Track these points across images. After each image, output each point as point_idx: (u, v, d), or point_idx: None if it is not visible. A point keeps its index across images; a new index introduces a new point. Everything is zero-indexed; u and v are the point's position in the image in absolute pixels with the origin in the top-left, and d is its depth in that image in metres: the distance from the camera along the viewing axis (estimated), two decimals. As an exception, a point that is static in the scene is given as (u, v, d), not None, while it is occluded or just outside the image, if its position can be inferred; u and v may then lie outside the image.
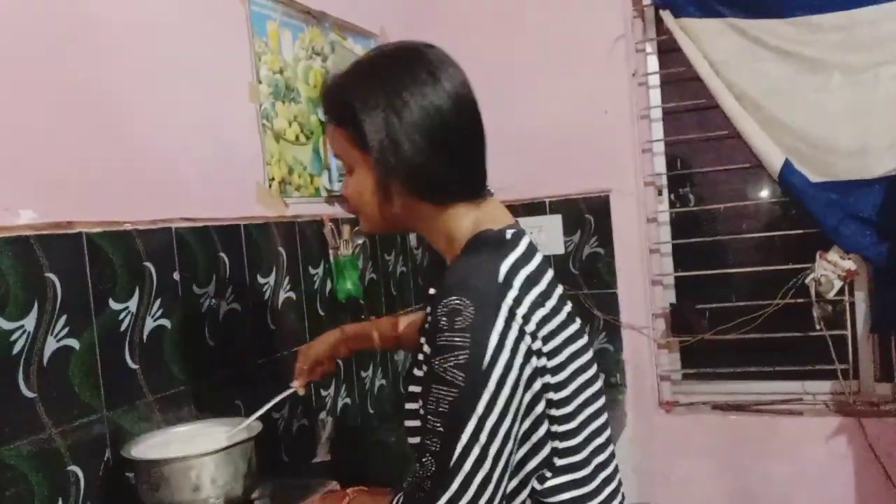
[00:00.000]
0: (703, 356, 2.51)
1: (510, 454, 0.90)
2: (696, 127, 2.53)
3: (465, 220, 1.02)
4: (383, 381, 2.24)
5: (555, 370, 0.94)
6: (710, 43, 2.33)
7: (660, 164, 2.53)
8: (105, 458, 1.29)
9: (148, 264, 1.42)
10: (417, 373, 0.98)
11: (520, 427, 0.92)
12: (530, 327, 0.92)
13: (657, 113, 2.52)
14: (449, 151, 0.99)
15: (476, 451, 0.86)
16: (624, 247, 2.43)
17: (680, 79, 2.50)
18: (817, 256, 2.26)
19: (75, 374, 1.24)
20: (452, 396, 0.87)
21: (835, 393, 2.34)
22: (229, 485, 1.21)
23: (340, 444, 1.89)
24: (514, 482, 0.94)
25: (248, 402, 1.63)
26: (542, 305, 0.95)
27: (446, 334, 0.88)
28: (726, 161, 2.50)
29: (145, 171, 1.44)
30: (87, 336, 1.27)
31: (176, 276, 1.48)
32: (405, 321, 1.46)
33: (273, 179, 1.82)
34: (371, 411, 2.16)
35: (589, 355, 1.03)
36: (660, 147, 2.52)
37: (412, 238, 2.49)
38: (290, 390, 1.37)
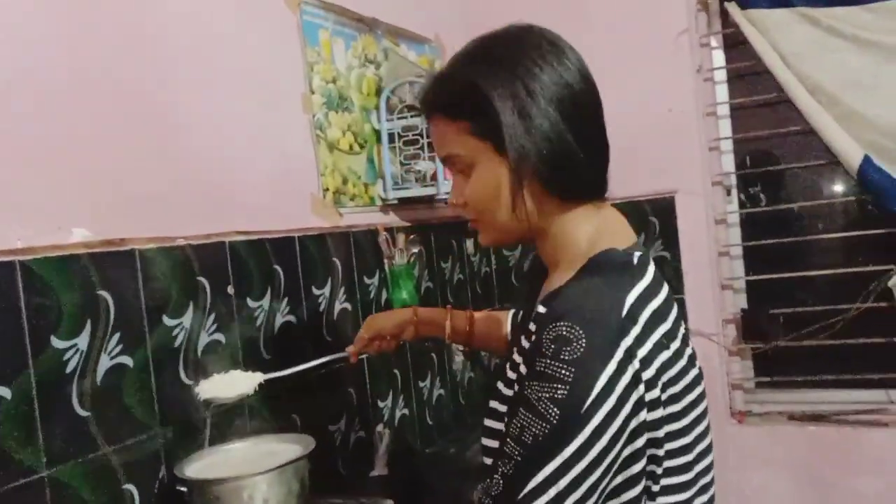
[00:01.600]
0: (777, 364, 2.38)
1: None
2: (766, 123, 2.40)
3: (585, 225, 0.92)
4: (441, 391, 2.20)
5: (671, 418, 0.84)
6: (779, 34, 2.21)
7: (728, 163, 2.42)
8: (160, 476, 1.28)
9: (202, 279, 1.41)
10: (505, 390, 0.91)
11: (609, 483, 0.80)
12: (648, 373, 0.81)
13: (724, 109, 2.40)
14: (583, 132, 0.89)
15: (552, 493, 0.78)
16: (691, 250, 2.32)
17: (747, 73, 2.38)
18: (901, 258, 2.11)
19: (129, 391, 1.24)
20: (540, 430, 0.78)
21: (925, 403, 2.18)
22: (282, 504, 1.19)
23: (398, 457, 1.86)
24: None
25: (305, 415, 1.62)
26: (667, 347, 0.84)
27: (549, 361, 0.79)
28: (799, 158, 2.37)
29: (199, 185, 1.44)
30: (140, 353, 1.27)
31: (230, 289, 1.48)
32: (481, 317, 1.41)
33: (327, 190, 1.80)
34: (430, 423, 2.12)
35: (704, 404, 0.92)
36: (728, 145, 2.41)
37: (468, 244, 2.44)
38: (343, 354, 1.35)
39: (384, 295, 1.95)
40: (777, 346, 2.30)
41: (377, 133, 1.98)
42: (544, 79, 0.87)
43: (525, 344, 0.89)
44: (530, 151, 0.87)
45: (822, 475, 2.22)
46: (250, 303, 1.52)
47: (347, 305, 1.82)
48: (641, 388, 0.80)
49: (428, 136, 1.92)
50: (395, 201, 1.98)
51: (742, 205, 2.44)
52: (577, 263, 0.89)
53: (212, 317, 1.42)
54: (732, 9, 2.26)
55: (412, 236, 2.02)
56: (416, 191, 1.96)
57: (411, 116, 1.94)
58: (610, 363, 0.78)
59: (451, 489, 1.75)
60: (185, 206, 1.41)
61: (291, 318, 1.63)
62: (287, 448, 1.30)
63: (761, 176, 2.45)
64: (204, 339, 1.40)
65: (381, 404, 1.91)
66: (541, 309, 0.87)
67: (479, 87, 0.87)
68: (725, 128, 2.41)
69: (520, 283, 2.57)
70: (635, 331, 0.81)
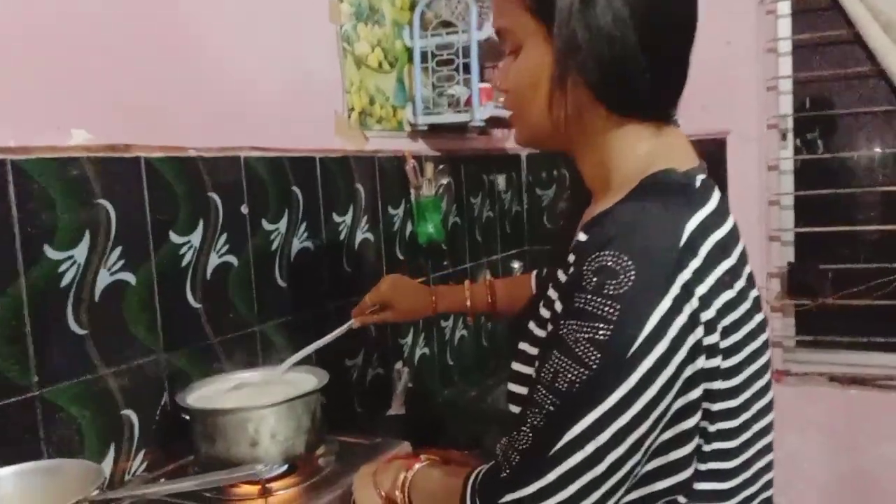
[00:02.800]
0: (821, 322, 2.24)
1: (635, 465, 0.68)
2: (829, 63, 2.21)
3: (638, 147, 0.77)
4: (464, 332, 2.10)
5: (727, 373, 0.71)
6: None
7: (786, 105, 2.24)
8: (162, 403, 1.20)
9: (213, 195, 1.30)
10: (536, 330, 0.79)
11: (656, 438, 0.68)
12: (708, 314, 0.68)
13: (786, 46, 2.21)
14: (656, 41, 0.73)
15: (589, 448, 0.66)
16: (740, 197, 2.15)
17: (812, 9, 2.18)
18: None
19: (131, 311, 1.15)
20: (577, 376, 0.66)
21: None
22: (290, 440, 1.10)
23: (416, 397, 1.77)
24: (633, 496, 0.73)
25: (321, 347, 1.52)
26: (730, 287, 0.71)
27: (590, 297, 0.67)
28: (865, 103, 2.18)
29: (214, 95, 1.32)
30: (144, 270, 1.17)
31: (244, 209, 1.36)
32: (502, 284, 1.29)
33: (353, 109, 1.66)
34: (450, 363, 2.03)
35: (767, 355, 0.79)
36: (787, 85, 2.22)
37: (500, 180, 2.31)
38: (345, 327, 1.24)
39: (409, 227, 1.84)
40: (824, 303, 2.16)
41: (409, 51, 1.83)
42: None
43: (562, 277, 0.76)
44: (581, 45, 0.72)
45: (859, 440, 2.11)
46: (266, 225, 1.41)
47: (370, 236, 1.70)
48: (700, 330, 0.67)
49: (464, 56, 1.76)
50: (425, 127, 1.84)
51: (797, 151, 2.27)
52: (626, 185, 0.75)
53: (223, 237, 1.32)
54: (804, -67, 2.05)
55: (441, 166, 1.88)
56: (449, 117, 1.82)
57: (447, 34, 1.79)
58: (663, 300, 0.65)
59: (470, 434, 1.67)
60: (198, 116, 1.29)
61: (309, 244, 1.52)
62: (299, 380, 1.21)
63: (820, 120, 2.27)
64: (214, 261, 1.30)
65: (401, 342, 1.81)
66: (581, 237, 0.74)
67: None
68: (786, 66, 2.22)
69: (554, 222, 2.43)
70: (694, 264, 0.68)
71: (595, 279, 0.67)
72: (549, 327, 0.75)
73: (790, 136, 2.25)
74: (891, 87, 2.07)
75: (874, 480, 2.09)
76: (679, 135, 0.81)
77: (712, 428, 0.71)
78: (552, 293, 0.77)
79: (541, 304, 0.80)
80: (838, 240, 2.17)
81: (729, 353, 0.70)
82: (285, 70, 1.48)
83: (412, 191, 1.82)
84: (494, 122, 1.87)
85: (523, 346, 0.80)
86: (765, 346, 0.77)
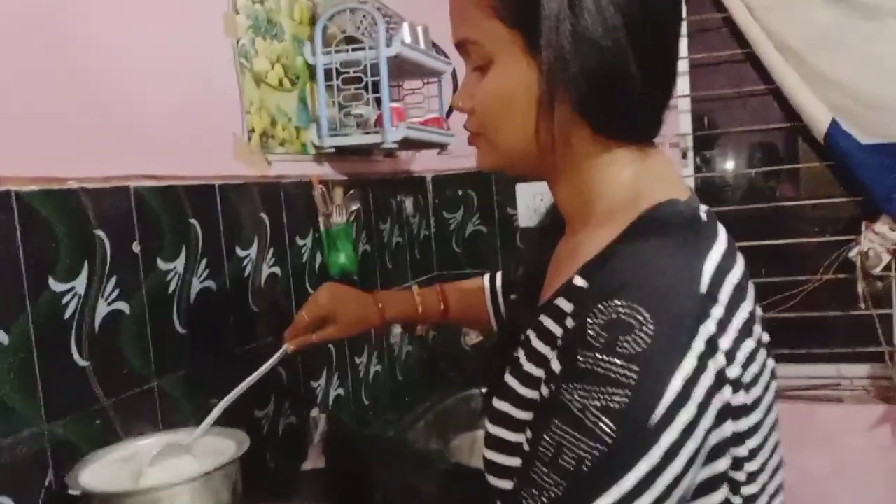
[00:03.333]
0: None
1: None
2: (721, 83, 2.26)
3: (624, 172, 0.69)
4: (378, 368, 1.96)
5: (749, 433, 0.62)
6: (746, -16, 2.06)
7: (685, 124, 2.27)
8: (46, 484, 0.99)
9: (99, 233, 1.11)
10: (521, 389, 0.68)
11: None
12: (733, 370, 0.59)
13: (684, 65, 2.24)
14: (649, 52, 0.65)
15: None
16: (647, 215, 2.17)
17: (704, 28, 2.23)
18: (863, 227, 2.03)
19: (2, 376, 0.94)
20: (587, 452, 0.56)
21: (877, 378, 2.13)
22: (208, 521, 0.93)
23: (334, 444, 1.61)
24: None
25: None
26: (751, 334, 0.62)
27: (599, 357, 0.57)
28: (758, 121, 2.24)
29: (97, 117, 1.13)
30: (18, 328, 0.97)
31: (136, 247, 1.18)
32: (454, 289, 1.18)
33: (253, 131, 1.51)
34: (366, 402, 1.89)
35: (775, 404, 0.72)
36: (686, 104, 2.26)
37: (408, 204, 2.20)
38: (279, 354, 1.09)
39: (318, 258, 1.69)
40: (732, 317, 2.19)
41: (311, 68, 1.69)
42: None
43: (553, 328, 0.66)
44: (572, 59, 0.63)
45: (773, 452, 2.14)
46: (161, 264, 1.23)
47: (277, 270, 1.54)
48: (727, 391, 0.59)
49: (372, 74, 1.65)
50: (332, 150, 1.70)
51: (698, 169, 2.30)
52: (619, 218, 0.66)
53: (112, 280, 1.13)
54: (699, -46, 2.09)
55: (352, 191, 1.75)
56: (357, 139, 1.69)
57: (352, 50, 1.66)
58: (686, 358, 0.56)
59: (397, 480, 1.54)
60: (79, 142, 1.10)
61: (210, 283, 1.35)
62: (214, 445, 1.04)
63: (717, 138, 2.31)
64: (102, 309, 1.11)
65: (314, 385, 1.65)
66: (579, 281, 0.65)
67: None
68: (684, 85, 2.25)
69: (526, 243, 2.33)
70: (717, 313, 0.59)
71: (605, 335, 0.57)
72: (543, 389, 0.64)
73: (690, 154, 2.29)
74: (784, 104, 2.13)
75: (790, 491, 2.12)
76: (664, 158, 0.74)
77: (736, 500, 0.63)
78: (541, 346, 0.66)
79: (522, 355, 0.69)
80: (744, 255, 2.21)
81: (750, 411, 0.62)
82: (178, 89, 1.31)
83: (321, 218, 1.68)
84: (405, 143, 1.76)
85: (502, 405, 0.69)
86: (774, 395, 0.70)
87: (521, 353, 0.69)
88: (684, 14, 2.18)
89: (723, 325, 0.59)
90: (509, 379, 0.70)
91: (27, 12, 1.02)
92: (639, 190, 0.68)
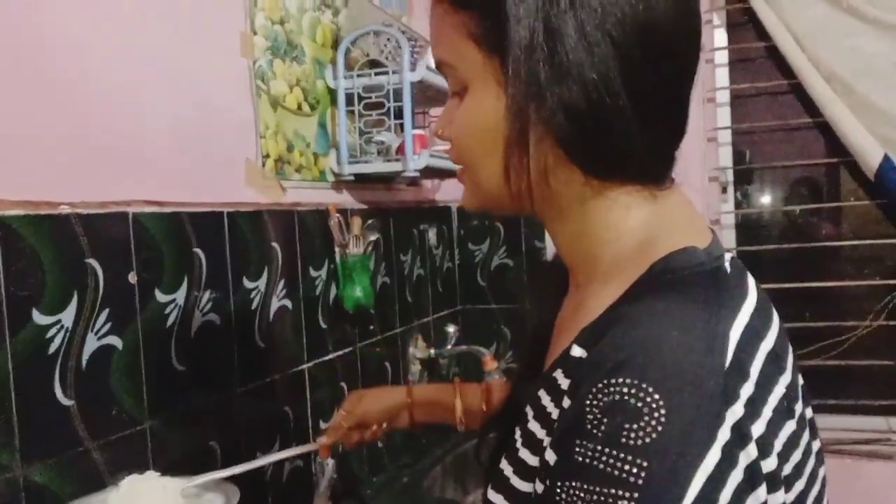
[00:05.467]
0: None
1: None
2: (765, 115, 2.15)
3: (630, 218, 0.58)
4: (395, 406, 1.86)
5: None
6: (793, 13, 1.96)
7: (726, 157, 2.16)
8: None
9: (92, 262, 1.04)
10: (514, 480, 0.57)
11: None
12: (770, 463, 0.48)
13: (724, 96, 2.14)
14: (648, 87, 0.55)
15: None
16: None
17: (750, 58, 2.13)
18: (918, 271, 1.89)
19: (-30, 419, 0.87)
20: None
21: (932, 434, 1.97)
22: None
23: (342, 490, 1.51)
24: None
25: (226, 443, 1.26)
26: (791, 415, 0.52)
27: (600, 449, 0.47)
28: (803, 155, 2.12)
29: (95, 138, 1.06)
30: (1, 359, 0.89)
31: (132, 278, 1.10)
32: (501, 390, 1.07)
33: (268, 156, 1.44)
34: (379, 445, 1.78)
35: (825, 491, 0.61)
36: (726, 136, 2.15)
37: (431, 235, 2.11)
38: (312, 446, 1.03)
39: (333, 291, 1.60)
40: (773, 364, 2.05)
41: (332, 92, 1.62)
42: None
43: (549, 406, 0.55)
44: (549, 93, 0.54)
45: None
46: (160, 296, 1.15)
47: (287, 303, 1.46)
48: (761, 491, 0.47)
49: (395, 100, 1.57)
50: (351, 177, 1.63)
51: (738, 204, 2.18)
52: (626, 271, 0.56)
53: (105, 313, 1.05)
54: (742, -19, 2.00)
55: (370, 221, 1.67)
56: (378, 166, 1.61)
57: (375, 74, 1.59)
58: (710, 451, 0.45)
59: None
60: (74, 164, 1.03)
61: (214, 316, 1.27)
62: (199, 499, 0.95)
63: (760, 173, 2.20)
64: (92, 344, 1.03)
65: (323, 425, 1.56)
66: (577, 351, 0.53)
67: None
68: (724, 117, 2.15)
69: (532, 291, 2.23)
70: (747, 391, 0.48)
71: (606, 421, 0.47)
72: (538, 484, 0.53)
73: (731, 188, 2.17)
74: (831, 138, 2.02)
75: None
76: (681, 197, 0.62)
77: None
78: (537, 428, 0.55)
79: (519, 436, 0.58)
80: (788, 297, 2.07)
81: (789, 484, 0.51)
82: (187, 110, 1.24)
83: (337, 248, 1.60)
84: (428, 172, 1.68)
85: (496, 498, 0.59)
86: (823, 486, 0.58)
87: (518, 435, 0.58)
88: (724, 42, 2.10)
89: (754, 406, 0.48)
90: (504, 466, 0.59)
91: (20, 25, 0.96)
92: (650, 237, 0.57)
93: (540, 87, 0.54)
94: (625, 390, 0.46)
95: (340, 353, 1.63)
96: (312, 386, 1.52)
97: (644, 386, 0.46)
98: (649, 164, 0.59)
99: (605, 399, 0.47)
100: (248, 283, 1.35)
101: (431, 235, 2.10)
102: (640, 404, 0.46)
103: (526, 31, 0.54)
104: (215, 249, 1.27)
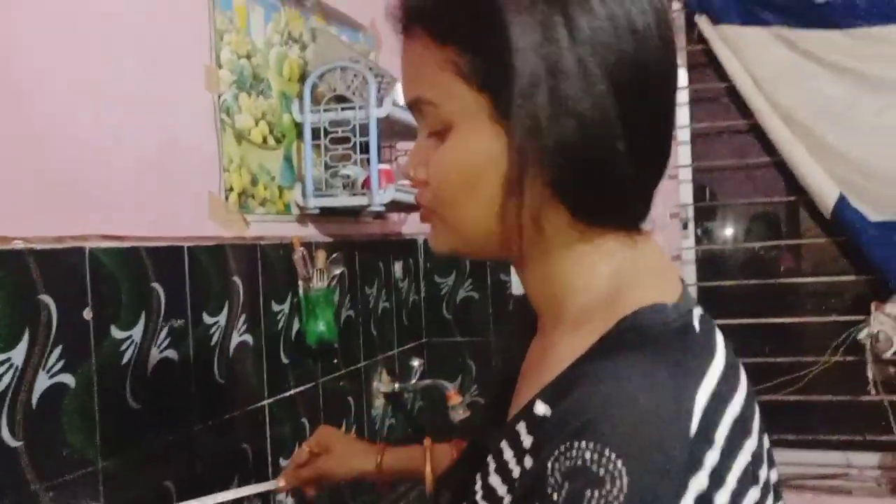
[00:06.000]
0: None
1: None
2: (724, 152, 2.20)
3: (602, 264, 0.58)
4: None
5: None
6: (753, 55, 2.02)
7: (686, 194, 2.20)
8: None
9: (46, 297, 1.01)
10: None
11: None
12: None
13: (685, 134, 2.18)
14: (641, 126, 0.55)
15: None
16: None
17: (710, 97, 2.18)
18: (873, 308, 1.93)
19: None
20: None
21: (889, 468, 2.00)
22: None
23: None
24: None
25: (183, 483, 1.23)
26: (755, 481, 0.51)
27: None
28: (762, 192, 2.17)
29: (54, 171, 1.05)
30: (-65, 405, 0.86)
31: (87, 314, 1.08)
32: None
33: (231, 190, 1.43)
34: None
35: None
36: (686, 174, 2.19)
37: (397, 268, 2.11)
38: (269, 485, 1.00)
39: (296, 325, 1.59)
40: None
41: (298, 126, 1.62)
42: (603, 24, 0.53)
43: (510, 462, 0.54)
44: (547, 131, 0.53)
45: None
46: (115, 332, 1.13)
47: (248, 338, 1.44)
48: None
49: (362, 135, 1.58)
50: (316, 211, 1.62)
51: (699, 240, 2.22)
52: (594, 321, 0.55)
53: (57, 350, 1.03)
54: (703, 23, 2.05)
55: (335, 255, 1.66)
56: (344, 200, 1.61)
57: (342, 109, 1.60)
58: None
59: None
60: (27, 196, 1.01)
61: (172, 353, 1.24)
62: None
63: (719, 210, 2.24)
64: (43, 382, 1.00)
65: (283, 463, 1.53)
66: (540, 409, 0.52)
67: (496, 4, 0.53)
68: (685, 154, 2.19)
69: (499, 329, 2.22)
70: (711, 459, 0.47)
71: (567, 486, 0.45)
72: None
73: (691, 225, 2.21)
74: (789, 177, 2.06)
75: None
76: (653, 246, 0.62)
77: None
78: (497, 483, 0.55)
79: (479, 488, 0.57)
80: (746, 333, 2.11)
81: None
82: (151, 143, 1.23)
83: (301, 283, 1.59)
84: (394, 206, 1.68)
85: None
86: None
87: (478, 486, 0.57)
88: (685, 82, 2.15)
89: (719, 475, 0.47)
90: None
91: (-21, 59, 0.95)
92: (620, 286, 0.57)
93: (540, 125, 0.53)
94: (587, 455, 0.45)
95: (302, 388, 1.61)
96: (273, 422, 1.50)
97: (607, 452, 0.45)
98: (634, 208, 0.59)
99: (567, 463, 0.46)
100: (208, 319, 1.33)
101: (397, 268, 2.10)
102: (601, 471, 0.44)
103: (528, 67, 0.52)
104: (175, 284, 1.25)
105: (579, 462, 0.45)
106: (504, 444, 0.55)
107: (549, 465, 0.47)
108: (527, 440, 0.52)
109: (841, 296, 2.06)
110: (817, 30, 1.95)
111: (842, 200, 1.92)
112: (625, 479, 0.44)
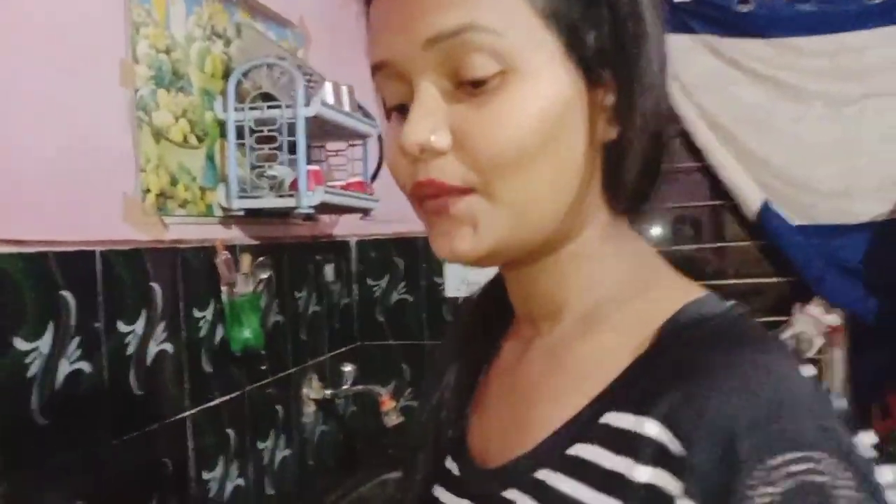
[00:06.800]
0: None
1: None
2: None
3: (625, 256, 0.52)
4: (287, 452, 1.79)
5: None
6: (679, 62, 2.04)
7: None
8: None
9: (-63, 308, 0.94)
10: None
11: None
12: None
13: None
14: (668, 100, 0.50)
15: None
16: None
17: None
18: (795, 309, 1.99)
19: None
20: None
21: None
22: None
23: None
24: None
25: (96, 500, 1.16)
26: None
27: None
28: (688, 197, 2.21)
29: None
30: None
31: (-15, 324, 1.00)
32: None
33: (148, 191, 1.36)
34: (270, 492, 1.70)
35: None
36: (618, 177, 2.21)
37: (328, 270, 2.06)
38: None
39: (220, 332, 1.52)
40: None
41: (221, 125, 1.56)
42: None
43: (573, 492, 0.45)
44: (650, 92, 0.47)
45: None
46: (19, 344, 1.05)
47: (168, 346, 1.37)
48: None
49: (289, 134, 1.52)
50: (241, 213, 1.56)
51: (629, 243, 2.24)
52: (611, 317, 0.50)
53: (-49, 365, 0.95)
54: (633, 29, 2.07)
55: (261, 258, 1.61)
56: (270, 201, 1.56)
57: (268, 108, 1.54)
58: None
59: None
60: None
61: (83, 365, 1.17)
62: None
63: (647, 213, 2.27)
64: (-66, 400, 0.92)
65: (206, 476, 1.47)
66: (626, 421, 0.44)
67: None
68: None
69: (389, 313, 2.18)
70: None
71: None
72: None
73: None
74: (715, 182, 2.10)
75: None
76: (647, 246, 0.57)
77: None
78: None
79: None
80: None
81: None
82: (60, 141, 1.15)
83: (223, 288, 1.52)
84: (325, 207, 1.63)
85: None
86: None
87: None
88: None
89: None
90: None
91: None
92: (646, 280, 0.51)
93: (644, 81, 0.47)
94: (795, 468, 0.37)
95: (228, 397, 1.54)
96: (196, 434, 1.43)
97: (835, 459, 0.38)
98: (651, 189, 0.52)
99: (784, 485, 0.37)
100: (123, 327, 1.26)
101: (329, 271, 2.05)
102: (828, 479, 0.37)
103: (651, 13, 0.48)
104: (85, 292, 1.18)
105: (800, 479, 0.37)
106: (548, 474, 0.47)
107: (764, 489, 0.37)
108: (612, 460, 0.44)
109: (764, 297, 2.11)
110: (741, 38, 1.99)
111: (766, 205, 1.96)
112: (850, 479, 0.38)
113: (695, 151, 2.10)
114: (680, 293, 0.50)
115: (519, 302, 0.57)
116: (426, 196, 0.48)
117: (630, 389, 0.45)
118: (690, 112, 2.02)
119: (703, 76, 2.02)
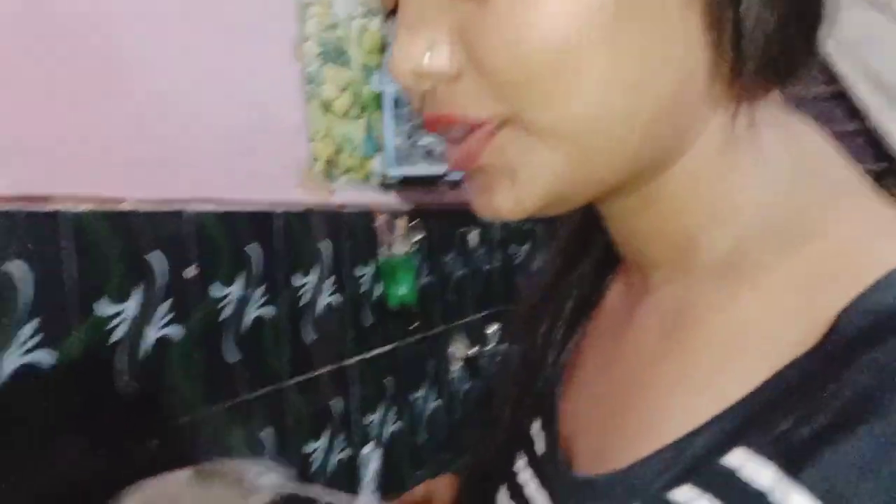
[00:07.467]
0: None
1: None
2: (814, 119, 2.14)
3: (774, 169, 0.35)
4: (439, 402, 1.90)
5: None
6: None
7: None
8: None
9: (153, 257, 1.10)
10: None
11: None
12: None
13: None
14: None
15: None
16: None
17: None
18: None
19: (40, 400, 0.93)
20: None
21: None
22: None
23: (388, 483, 1.55)
24: None
25: (277, 432, 1.31)
26: None
27: None
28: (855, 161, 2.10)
29: (154, 139, 1.12)
30: (68, 346, 0.95)
31: (190, 272, 1.16)
32: None
33: (317, 159, 1.49)
34: (425, 437, 1.82)
35: None
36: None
37: (473, 236, 2.15)
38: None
39: (378, 289, 1.65)
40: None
41: (378, 97, 1.67)
42: None
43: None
44: None
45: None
46: (214, 291, 1.21)
47: (335, 299, 1.51)
48: None
49: (440, 103, 1.61)
50: (397, 179, 1.67)
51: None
52: (765, 264, 0.34)
53: (165, 305, 1.11)
54: None
55: (415, 221, 1.71)
56: (422, 169, 1.66)
57: (421, 79, 1.63)
58: None
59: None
60: (133, 163, 1.09)
61: (266, 310, 1.32)
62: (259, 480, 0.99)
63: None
64: (151, 336, 1.09)
65: (368, 419, 1.60)
66: None
67: None
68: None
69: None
70: None
71: None
72: None
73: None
74: (879, 146, 1.99)
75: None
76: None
77: None
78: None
79: None
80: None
81: None
82: (241, 113, 1.30)
83: (381, 249, 1.64)
84: (472, 174, 1.71)
85: None
86: None
87: None
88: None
89: None
90: None
91: (88, 35, 1.02)
92: (824, 204, 0.35)
93: None
94: None
95: (384, 349, 1.67)
96: (358, 380, 1.57)
97: None
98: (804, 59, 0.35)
99: None
100: (297, 280, 1.40)
101: (473, 237, 2.14)
102: None
103: None
104: (268, 247, 1.32)
105: None
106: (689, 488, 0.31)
107: None
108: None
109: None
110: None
111: None
112: None
113: (854, 113, 2.00)
114: (891, 239, 0.32)
115: (621, 240, 0.40)
116: (447, 140, 0.35)
117: (780, 414, 0.29)
118: (853, 71, 1.92)
119: (861, 31, 1.91)
